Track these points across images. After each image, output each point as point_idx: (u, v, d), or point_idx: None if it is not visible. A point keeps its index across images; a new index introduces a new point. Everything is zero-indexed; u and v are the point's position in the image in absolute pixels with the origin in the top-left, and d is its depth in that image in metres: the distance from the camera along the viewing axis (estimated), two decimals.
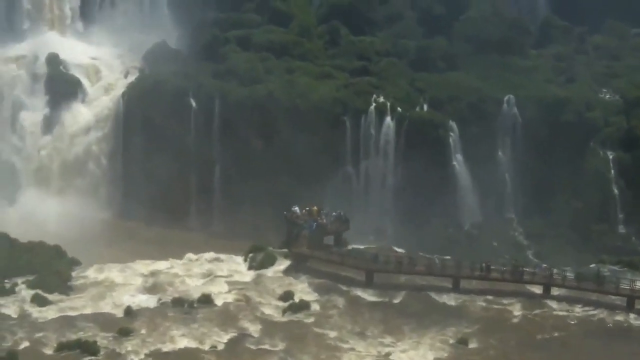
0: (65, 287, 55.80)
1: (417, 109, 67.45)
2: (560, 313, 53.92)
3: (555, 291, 55.83)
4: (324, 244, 60.57)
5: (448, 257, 59.26)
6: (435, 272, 57.00)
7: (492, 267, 56.72)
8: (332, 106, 67.16)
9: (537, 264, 59.91)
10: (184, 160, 68.56)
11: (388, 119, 66.49)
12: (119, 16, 78.63)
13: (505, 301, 55.15)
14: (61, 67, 73.86)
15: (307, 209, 61.28)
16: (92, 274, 58.27)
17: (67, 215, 67.19)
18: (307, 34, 76.21)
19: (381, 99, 67.61)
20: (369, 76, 71.01)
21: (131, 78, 72.74)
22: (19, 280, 55.68)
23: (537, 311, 54.05)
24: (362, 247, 61.63)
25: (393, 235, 64.29)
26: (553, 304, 54.70)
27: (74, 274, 57.79)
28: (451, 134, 65.76)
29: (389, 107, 66.75)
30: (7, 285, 54.94)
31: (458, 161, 65.62)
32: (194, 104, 68.91)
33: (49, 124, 72.43)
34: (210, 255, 61.35)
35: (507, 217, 66.18)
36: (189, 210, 68.23)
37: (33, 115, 72.77)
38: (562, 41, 76.61)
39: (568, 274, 56.25)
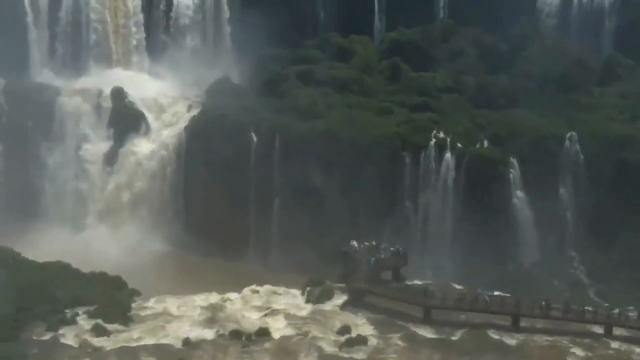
0: (125, 317, 56.42)
1: (478, 145, 67.07)
2: (622, 354, 52.85)
3: (617, 331, 54.79)
4: (381, 279, 60.42)
5: (507, 295, 58.60)
6: (494, 310, 56.40)
7: (553, 306, 55.95)
8: (392, 141, 67.18)
9: (598, 303, 58.91)
10: (244, 193, 69.05)
11: (448, 154, 66.22)
12: (183, 51, 79.99)
13: (565, 341, 54.33)
14: (125, 101, 75.08)
15: (366, 243, 61.25)
16: (151, 305, 58.89)
17: (128, 247, 68.09)
18: (368, 69, 76.70)
19: (441, 135, 67.40)
20: (429, 112, 71.01)
21: (194, 112, 73.67)
22: (80, 310, 56.49)
23: (598, 352, 53.03)
24: (420, 283, 61.33)
25: (451, 271, 63.69)
26: (615, 344, 53.68)
27: (134, 305, 58.44)
28: (511, 170, 65.20)
29: (449, 142, 66.50)
30: (68, 315, 55.78)
31: (518, 198, 64.98)
32: (254, 138, 69.49)
33: (112, 157, 73.66)
34: (269, 288, 61.56)
35: (568, 255, 65.18)
36: (248, 243, 68.58)
37: (97, 147, 74.10)
38: (626, 79, 75.53)
39: (630, 313, 55.24)
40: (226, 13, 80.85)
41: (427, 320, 56.20)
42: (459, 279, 62.30)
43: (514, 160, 65.50)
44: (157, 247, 69.34)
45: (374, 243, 61.29)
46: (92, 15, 78.53)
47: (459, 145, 66.50)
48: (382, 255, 60.95)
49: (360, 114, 69.96)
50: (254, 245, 68.55)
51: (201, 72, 77.49)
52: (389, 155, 66.88)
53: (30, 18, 77.55)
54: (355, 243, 61.19)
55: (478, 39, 78.93)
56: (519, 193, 65.03)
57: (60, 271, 60.79)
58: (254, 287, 61.33)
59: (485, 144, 67.37)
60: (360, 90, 73.73)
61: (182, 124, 72.95)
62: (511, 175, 65.16)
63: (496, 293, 59.15)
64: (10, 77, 75.70)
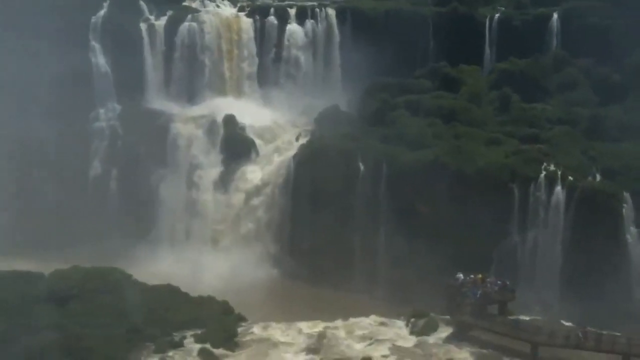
0: (231, 342, 57.21)
1: (589, 178, 65.72)
2: None
3: None
4: (488, 313, 59.66)
5: (618, 334, 57.07)
6: (605, 349, 54.90)
7: None
8: (500, 173, 66.36)
9: None
10: (350, 222, 69.33)
11: (558, 187, 64.96)
12: (293, 80, 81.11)
13: None
14: (237, 128, 76.73)
15: (472, 276, 60.56)
16: (257, 331, 59.50)
17: (235, 271, 69.21)
18: (477, 99, 76.19)
19: (551, 167, 66.26)
20: (539, 144, 69.99)
21: (302, 140, 74.61)
22: (188, 334, 57.57)
23: None
24: (527, 318, 60.22)
25: (560, 307, 62.38)
26: None
27: (240, 330, 59.19)
28: (624, 205, 63.46)
29: (559, 175, 65.29)
30: (177, 338, 56.90)
31: (631, 234, 63.12)
32: (361, 166, 69.78)
33: (222, 183, 75.19)
34: (373, 318, 61.49)
35: None
36: (352, 272, 68.62)
37: (208, 173, 75.75)
38: None
39: None
40: (336, 43, 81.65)
41: (533, 357, 55.15)
42: (568, 316, 60.91)
43: (627, 195, 63.68)
44: (264, 273, 70.23)
45: (480, 276, 60.58)
46: (207, 44, 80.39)
47: (570, 178, 65.18)
48: (489, 289, 60.16)
49: (468, 144, 69.45)
50: (359, 274, 68.58)
51: (310, 101, 78.56)
52: (497, 187, 65.96)
53: (147, 46, 79.89)
54: (461, 275, 60.62)
55: (591, 70, 77.41)
56: (632, 229, 63.14)
57: (170, 294, 62.02)
58: (358, 316, 61.42)
59: (598, 177, 65.88)
60: (468, 121, 73.22)
61: (291, 151, 73.87)
62: (624, 210, 63.36)
63: (606, 331, 57.66)
64: (126, 103, 78.37)
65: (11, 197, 73.87)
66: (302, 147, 73.43)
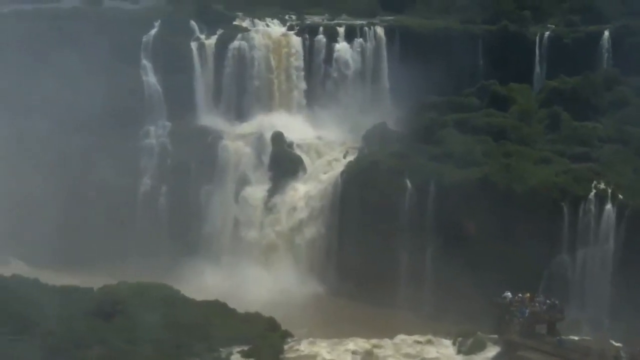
0: (277, 359, 57.19)
1: None
2: None
3: None
4: (536, 333, 58.84)
5: None
6: None
7: None
8: (549, 191, 65.68)
9: None
10: (397, 239, 69.17)
11: (609, 206, 64.07)
12: (341, 97, 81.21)
13: None
14: (285, 145, 77.13)
15: (520, 295, 59.71)
16: (303, 347, 59.32)
17: (282, 287, 69.43)
18: (527, 118, 75.59)
19: (602, 186, 65.42)
20: (590, 162, 69.20)
21: (350, 158, 74.74)
22: (235, 350, 57.57)
23: None
24: (576, 338, 59.23)
25: (610, 327, 61.44)
26: None
27: (286, 347, 59.11)
28: None
29: (610, 194, 64.44)
30: (223, 354, 56.97)
31: None
32: (409, 184, 69.63)
33: (270, 199, 75.59)
34: (420, 336, 61.08)
35: None
36: (399, 289, 68.42)
37: (256, 190, 76.24)
38: None
39: None
40: (385, 61, 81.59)
41: None
42: (618, 336, 59.70)
43: None
44: (310, 289, 70.48)
45: (528, 295, 59.80)
46: (256, 62, 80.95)
47: (621, 196, 64.28)
48: (537, 308, 59.39)
49: (518, 163, 68.87)
50: (406, 292, 68.35)
51: (358, 118, 78.61)
52: (547, 206, 65.36)
53: (197, 64, 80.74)
54: (509, 294, 59.84)
55: None
56: None
57: (217, 310, 62.21)
58: (405, 334, 61.05)
59: None
60: (518, 139, 72.68)
61: (339, 169, 74.02)
62: None
63: None
64: (176, 120, 79.25)
65: (61, 212, 74.88)
66: (350, 165, 73.54)
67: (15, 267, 67.78)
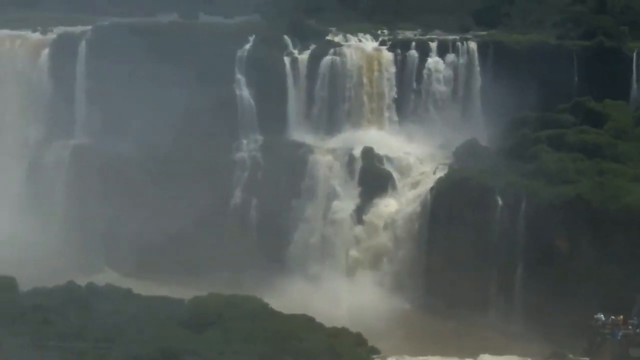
0: None
1: None
2: None
3: None
4: (630, 356, 57.45)
5: None
6: None
7: None
8: None
9: None
10: (486, 256, 68.43)
11: None
12: (432, 113, 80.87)
13: None
14: (375, 161, 77.16)
15: (613, 317, 58.54)
16: None
17: (369, 303, 69.32)
18: (623, 135, 73.88)
19: None
20: None
21: (440, 174, 74.30)
22: None
23: None
24: None
25: None
26: None
27: None
28: None
29: None
30: None
31: None
32: (500, 201, 68.88)
33: (359, 214, 75.63)
34: (508, 357, 60.16)
35: None
36: (488, 307, 67.68)
37: (345, 204, 76.35)
38: None
39: None
40: (478, 77, 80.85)
41: None
42: None
43: None
44: (397, 305, 70.15)
45: (621, 317, 58.44)
46: (348, 77, 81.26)
47: None
48: (631, 331, 57.97)
49: (613, 181, 67.39)
50: (495, 310, 67.60)
51: (450, 134, 78.07)
52: None
53: (289, 79, 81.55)
54: (602, 316, 58.65)
55: None
56: None
57: (305, 324, 62.27)
58: (492, 354, 60.14)
59: None
60: (612, 156, 71.05)
61: (429, 184, 73.69)
62: None
63: None
64: (268, 134, 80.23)
65: (151, 223, 76.21)
66: (440, 181, 73.12)
67: (108, 276, 69.46)
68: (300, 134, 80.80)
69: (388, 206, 75.07)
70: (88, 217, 79.37)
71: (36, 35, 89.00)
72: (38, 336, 53.41)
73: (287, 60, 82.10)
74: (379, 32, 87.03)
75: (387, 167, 76.95)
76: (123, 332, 54.99)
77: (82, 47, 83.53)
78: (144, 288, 63.45)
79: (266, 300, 63.43)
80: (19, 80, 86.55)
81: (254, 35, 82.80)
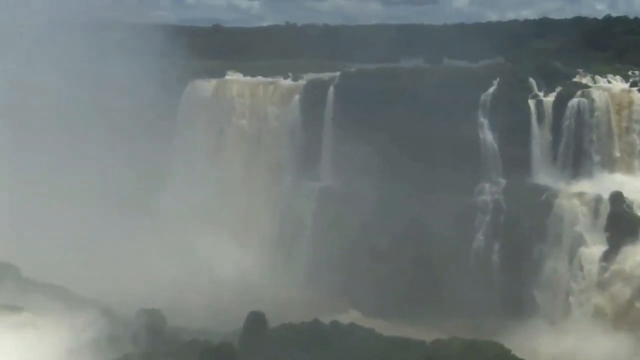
0: None
1: None
2: None
3: None
4: None
5: None
6: None
7: None
8: None
9: None
10: None
11: None
12: None
13: None
14: (624, 206, 74.03)
15: None
16: None
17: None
18: None
19: None
20: None
21: None
22: None
23: None
24: None
25: None
26: None
27: None
28: None
29: None
30: None
31: None
32: None
33: (606, 261, 72.76)
34: None
35: None
36: None
37: (592, 251, 73.77)
38: None
39: None
40: None
41: None
42: None
43: None
44: None
45: None
46: (596, 120, 78.75)
47: None
48: None
49: None
50: None
51: None
52: None
53: (534, 122, 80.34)
54: None
55: None
56: None
57: None
58: None
59: None
60: None
61: None
62: None
63: None
64: (511, 177, 79.35)
65: (393, 264, 77.82)
66: None
67: (352, 316, 71.00)
68: (544, 178, 79.21)
69: (638, 254, 71.76)
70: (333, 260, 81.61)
71: (287, 82, 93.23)
72: None
73: (531, 102, 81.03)
74: (630, 72, 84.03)
75: (638, 213, 73.59)
76: None
77: (330, 92, 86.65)
78: (384, 328, 64.12)
79: (508, 347, 62.40)
80: (271, 125, 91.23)
81: (498, 78, 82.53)
